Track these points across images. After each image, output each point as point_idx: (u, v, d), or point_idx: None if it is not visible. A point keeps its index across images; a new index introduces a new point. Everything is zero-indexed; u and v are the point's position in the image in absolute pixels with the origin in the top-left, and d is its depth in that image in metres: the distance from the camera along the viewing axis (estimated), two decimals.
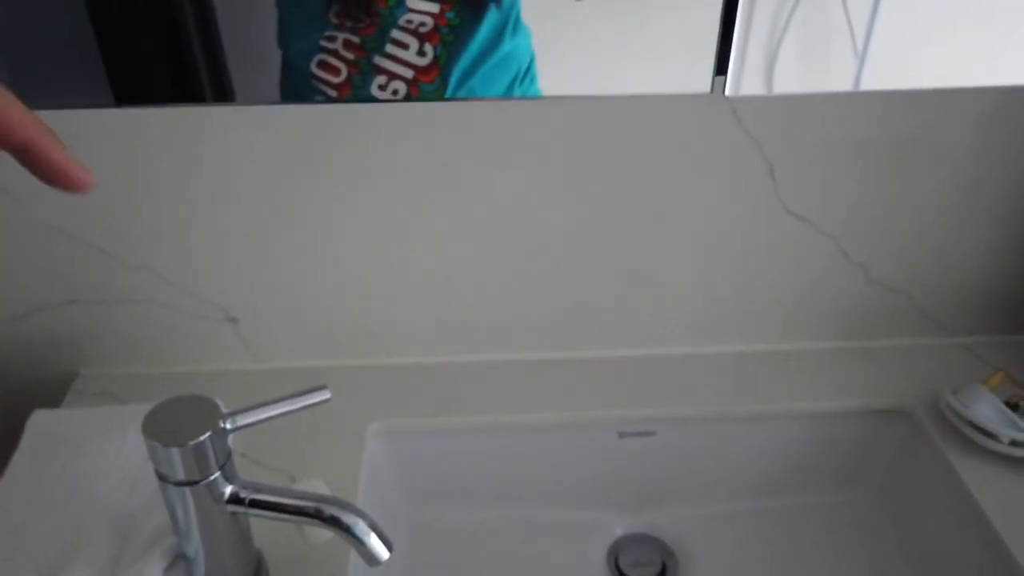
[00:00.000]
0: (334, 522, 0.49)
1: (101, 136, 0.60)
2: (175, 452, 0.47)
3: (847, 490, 0.76)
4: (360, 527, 0.50)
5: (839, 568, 0.71)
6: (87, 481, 0.59)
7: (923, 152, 0.67)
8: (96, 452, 0.61)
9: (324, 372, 0.74)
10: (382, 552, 0.50)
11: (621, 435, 0.73)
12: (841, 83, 0.47)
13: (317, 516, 0.49)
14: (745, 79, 0.47)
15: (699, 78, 0.45)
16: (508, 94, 0.49)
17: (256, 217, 0.66)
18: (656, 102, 0.63)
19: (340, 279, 0.70)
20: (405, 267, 0.70)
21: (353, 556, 0.59)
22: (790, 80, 0.47)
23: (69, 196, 0.62)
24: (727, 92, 0.45)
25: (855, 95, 0.63)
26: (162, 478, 0.48)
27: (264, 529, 0.57)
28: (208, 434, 0.47)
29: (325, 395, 0.52)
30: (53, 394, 0.73)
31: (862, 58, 0.47)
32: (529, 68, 0.51)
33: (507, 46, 0.52)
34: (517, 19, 0.47)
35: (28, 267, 0.68)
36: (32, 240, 0.66)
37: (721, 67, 0.44)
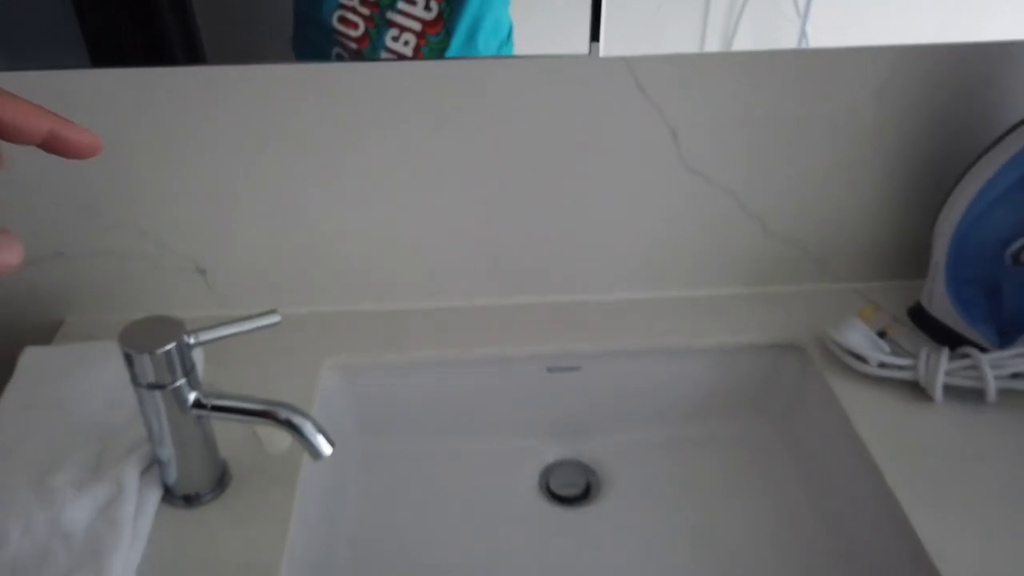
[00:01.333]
0: (286, 422, 0.58)
1: (80, 96, 0.69)
2: (146, 358, 0.56)
3: (751, 418, 0.86)
4: (307, 427, 0.59)
5: (743, 489, 0.80)
6: (73, 403, 0.68)
7: (814, 115, 0.76)
8: (81, 378, 0.70)
9: (283, 318, 0.82)
10: (325, 448, 0.59)
11: (550, 370, 0.83)
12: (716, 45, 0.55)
13: (271, 416, 0.58)
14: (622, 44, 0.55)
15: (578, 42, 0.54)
16: (501, 51, 0.54)
17: (224, 175, 0.75)
18: (564, 70, 0.72)
19: (300, 232, 0.79)
20: (359, 223, 0.79)
21: (304, 463, 0.68)
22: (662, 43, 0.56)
23: (52, 159, 0.72)
24: (601, 54, 0.54)
25: (744, 62, 0.73)
26: (136, 382, 0.57)
27: (228, 440, 0.66)
28: (173, 344, 0.56)
29: (275, 318, 0.61)
30: (41, 340, 0.81)
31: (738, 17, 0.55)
32: (510, 32, 0.59)
33: (503, 5, 0.59)
34: None
35: (17, 224, 0.76)
36: (21, 199, 0.75)
37: (595, 33, 0.53)
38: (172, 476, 0.63)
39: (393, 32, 0.61)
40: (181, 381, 0.58)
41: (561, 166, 0.78)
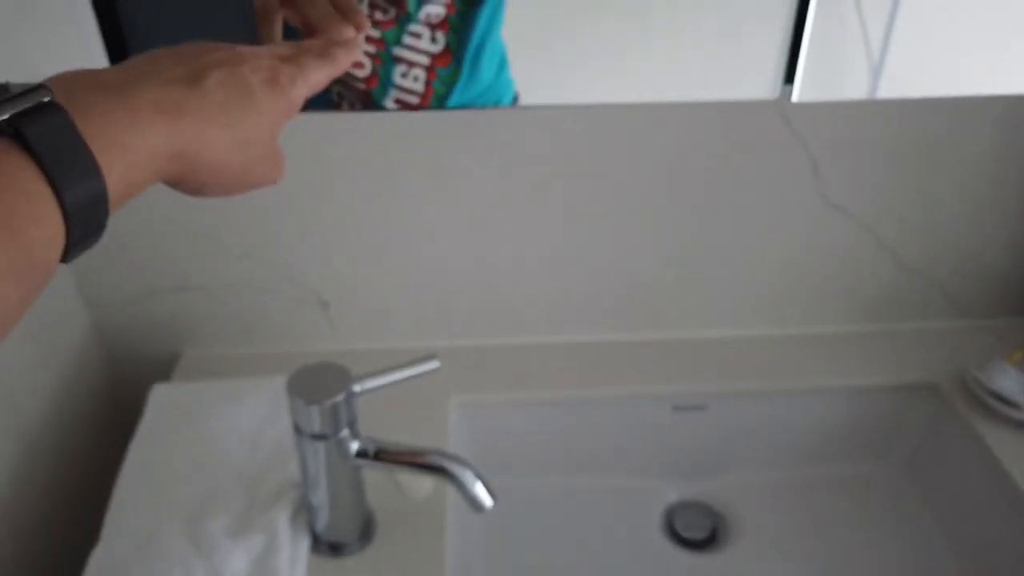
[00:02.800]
0: (447, 473, 0.57)
1: None
2: (314, 409, 0.54)
3: (880, 460, 0.83)
4: (468, 477, 0.57)
5: (874, 532, 0.78)
6: (213, 443, 0.67)
7: (948, 150, 0.74)
8: (218, 418, 0.68)
9: (403, 353, 0.81)
10: (486, 500, 0.57)
11: (675, 409, 0.81)
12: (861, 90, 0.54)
13: (432, 467, 0.57)
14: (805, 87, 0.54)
15: (764, 86, 0.53)
16: (500, 74, 0.54)
17: (350, 210, 0.74)
18: (712, 106, 0.70)
19: (423, 266, 0.78)
20: (484, 257, 0.78)
21: (450, 511, 0.66)
22: (837, 88, 0.54)
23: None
24: (794, 99, 0.52)
25: (890, 101, 0.71)
26: (299, 432, 0.56)
27: (369, 487, 0.65)
28: (343, 395, 0.55)
29: (434, 364, 0.60)
30: (160, 373, 0.80)
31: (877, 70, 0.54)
32: (503, 56, 0.57)
33: (498, 30, 0.58)
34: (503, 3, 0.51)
35: (141, 255, 0.75)
36: (146, 230, 0.74)
37: (789, 76, 0.51)
38: (322, 523, 0.61)
39: (401, 68, 0.60)
40: (345, 432, 0.56)
41: (692, 198, 0.76)
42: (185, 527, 0.59)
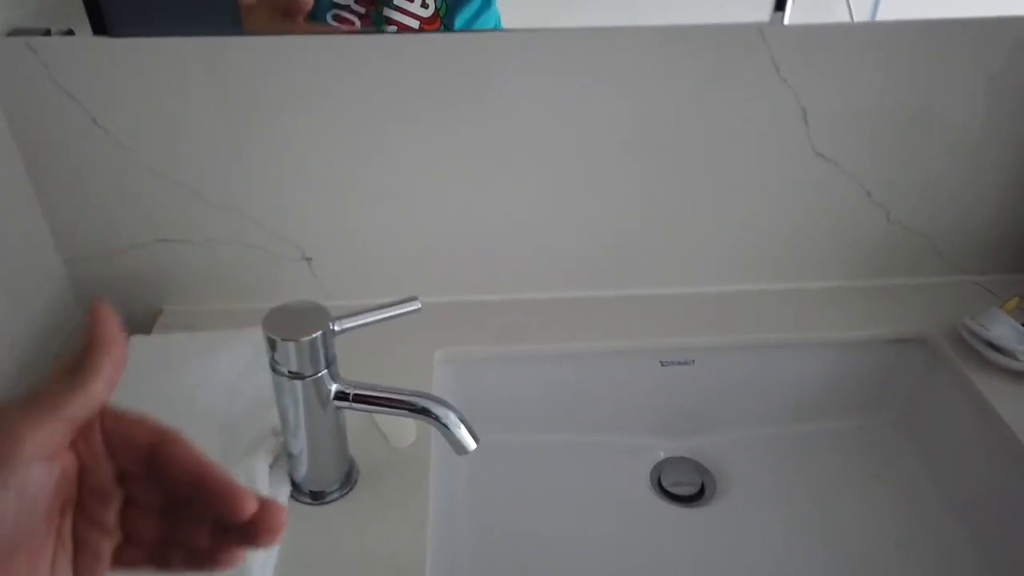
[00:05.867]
0: (429, 413, 0.55)
1: (203, 82, 0.66)
2: (291, 346, 0.53)
3: (872, 414, 0.82)
4: (451, 418, 0.56)
5: (865, 486, 0.77)
6: (191, 393, 0.65)
7: (940, 105, 0.73)
8: (196, 368, 0.67)
9: None
10: (470, 442, 0.56)
11: (663, 364, 0.80)
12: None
13: (415, 408, 0.55)
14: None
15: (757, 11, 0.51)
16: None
17: (331, 162, 0.72)
18: (701, 48, 0.68)
19: (409, 219, 0.76)
20: (472, 211, 0.76)
21: (434, 458, 0.65)
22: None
23: (166, 140, 0.69)
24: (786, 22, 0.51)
25: (880, 50, 0.69)
26: (276, 371, 0.54)
27: (352, 435, 0.63)
28: (320, 332, 0.53)
29: (416, 305, 0.58)
30: (140, 329, 0.79)
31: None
32: (497, 23, 0.56)
33: (494, 6, 0.57)
34: None
35: (119, 207, 0.74)
36: (131, 182, 0.72)
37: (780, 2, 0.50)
38: (302, 471, 0.60)
39: (391, 30, 0.58)
40: (324, 371, 0.55)
41: (681, 150, 0.74)
42: None
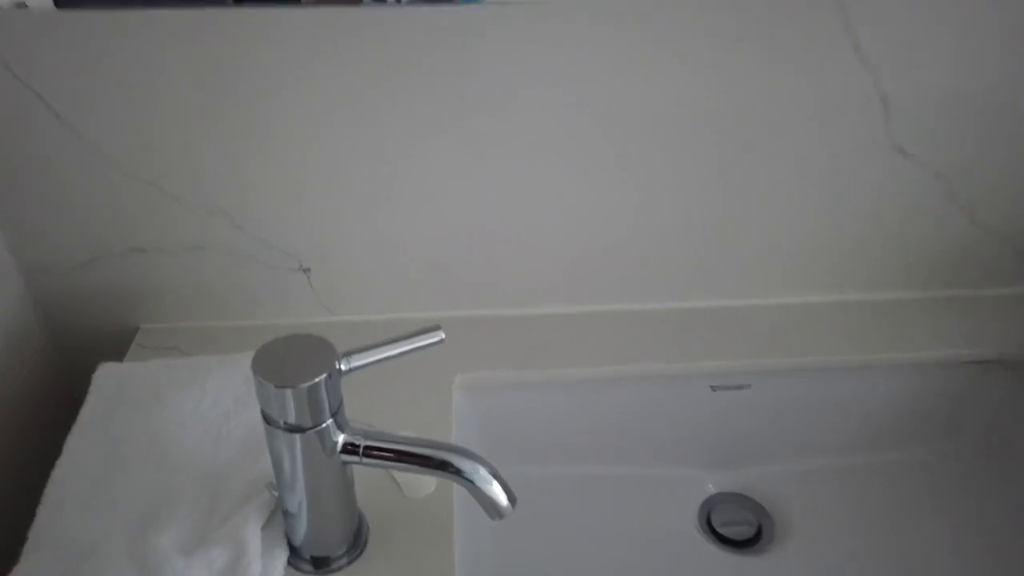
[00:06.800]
0: (454, 471, 0.45)
1: (179, 63, 0.56)
2: (288, 394, 0.43)
3: (948, 443, 0.73)
4: (481, 475, 0.46)
5: (944, 524, 0.68)
6: (167, 435, 0.55)
7: None
8: (174, 405, 0.57)
9: (401, 325, 0.69)
10: (504, 502, 0.46)
11: (714, 388, 0.70)
12: None
13: (437, 464, 0.45)
14: None
15: None
16: None
17: (332, 160, 0.62)
18: (759, 18, 0.58)
19: (418, 228, 0.66)
20: (487, 217, 0.66)
21: (458, 512, 0.55)
22: None
23: (139, 135, 0.58)
24: None
25: (983, 28, 0.59)
26: (269, 423, 0.44)
27: (360, 485, 0.53)
28: (323, 376, 0.43)
29: (439, 336, 0.48)
30: (113, 350, 0.68)
31: None
32: None
33: None
34: None
35: (91, 213, 0.63)
36: (97, 183, 0.62)
37: None
38: (301, 533, 0.50)
39: None
40: (329, 422, 0.44)
41: (735, 140, 0.64)
42: (129, 542, 0.48)
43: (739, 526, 0.70)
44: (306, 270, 0.68)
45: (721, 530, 0.69)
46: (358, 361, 0.45)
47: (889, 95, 0.62)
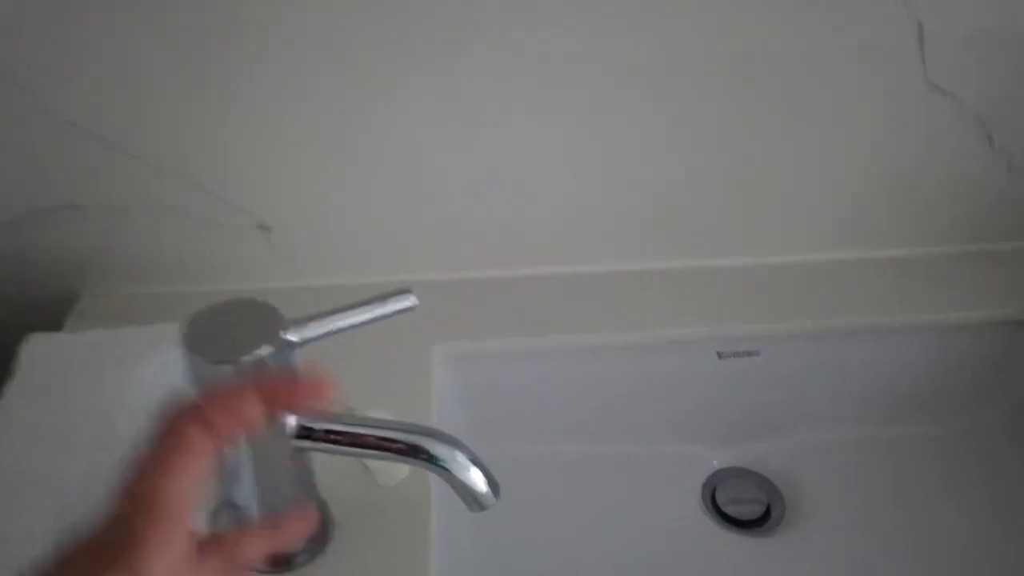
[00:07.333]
0: (426, 457, 0.39)
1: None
2: (227, 371, 0.36)
3: (979, 415, 0.68)
4: (459, 461, 0.39)
5: (971, 505, 0.63)
6: (102, 416, 0.48)
7: None
8: (111, 383, 0.50)
9: (375, 289, 0.62)
10: (486, 492, 0.40)
11: (721, 355, 0.64)
12: None
13: (407, 451, 0.39)
14: None
15: None
16: None
17: (294, 109, 0.54)
18: None
19: (393, 180, 0.59)
20: (471, 170, 0.59)
21: (437, 498, 0.49)
22: None
23: (81, 81, 0.51)
24: None
25: None
26: None
27: (324, 471, 0.47)
28: (268, 348, 0.36)
29: (409, 301, 0.42)
30: (49, 319, 0.61)
31: None
32: None
33: None
34: None
35: (19, 163, 0.56)
36: (26, 129, 0.54)
37: None
38: (249, 528, 0.43)
39: None
40: None
41: (744, 77, 0.56)
42: (47, 537, 0.41)
43: (746, 505, 0.64)
44: (265, 228, 0.60)
45: (727, 509, 0.64)
46: (313, 331, 0.38)
47: (924, 25, 0.55)
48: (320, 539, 0.46)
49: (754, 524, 0.63)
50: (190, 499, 0.29)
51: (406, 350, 0.58)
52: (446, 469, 0.39)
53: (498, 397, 0.63)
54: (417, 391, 0.56)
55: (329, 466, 0.48)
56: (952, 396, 0.67)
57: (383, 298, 0.41)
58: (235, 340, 0.36)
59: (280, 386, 0.32)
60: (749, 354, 0.64)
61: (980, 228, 0.67)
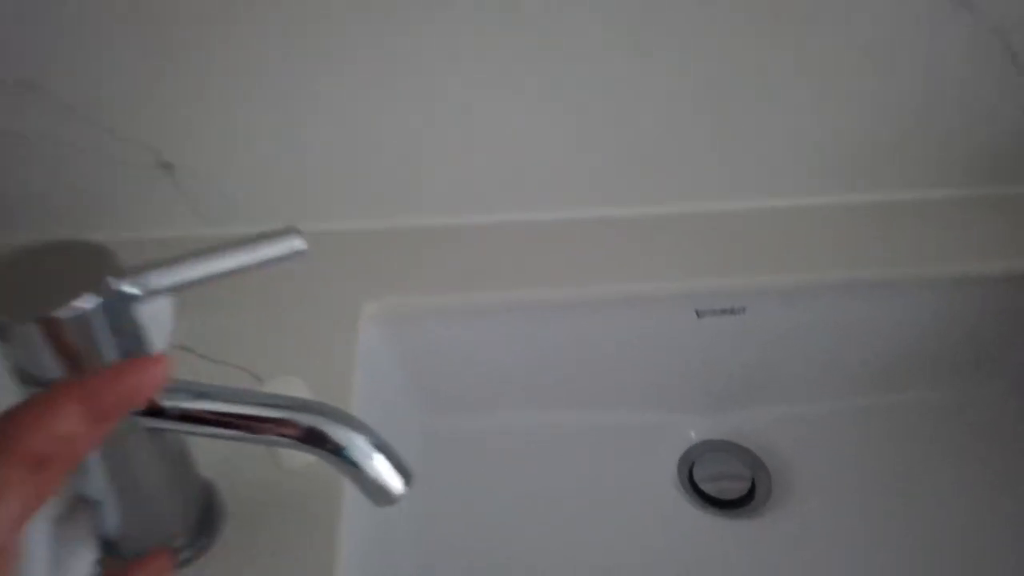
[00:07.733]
0: (317, 441, 0.31)
1: None
2: (34, 333, 0.27)
3: (985, 380, 0.61)
4: (359, 446, 0.31)
5: (975, 479, 0.57)
6: None
7: None
8: None
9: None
10: (394, 484, 0.32)
11: (700, 313, 0.56)
12: None
13: (290, 434, 0.31)
14: None
15: None
16: None
17: (201, 27, 0.45)
18: None
19: (319, 115, 0.50)
20: (409, 97, 0.50)
21: (350, 486, 0.41)
22: None
23: None
24: None
25: None
26: (25, 380, 0.29)
27: (217, 450, 0.39)
28: (93, 300, 0.28)
29: (295, 244, 0.33)
30: None
31: None
32: None
33: None
34: None
35: None
36: None
37: None
38: (112, 524, 0.36)
39: None
40: None
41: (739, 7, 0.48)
42: None
43: (728, 482, 0.57)
44: (167, 166, 0.52)
45: (705, 487, 0.57)
46: (160, 279, 0.30)
47: None
48: (207, 532, 0.38)
49: (737, 504, 0.56)
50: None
51: (331, 307, 0.50)
52: (343, 455, 0.31)
53: (442, 361, 0.55)
54: (342, 356, 0.48)
55: (221, 448, 0.40)
56: (956, 361, 0.60)
57: (260, 240, 0.32)
58: (48, 292, 0.28)
59: (101, 380, 0.24)
60: (732, 311, 0.56)
61: (997, 168, 0.59)
